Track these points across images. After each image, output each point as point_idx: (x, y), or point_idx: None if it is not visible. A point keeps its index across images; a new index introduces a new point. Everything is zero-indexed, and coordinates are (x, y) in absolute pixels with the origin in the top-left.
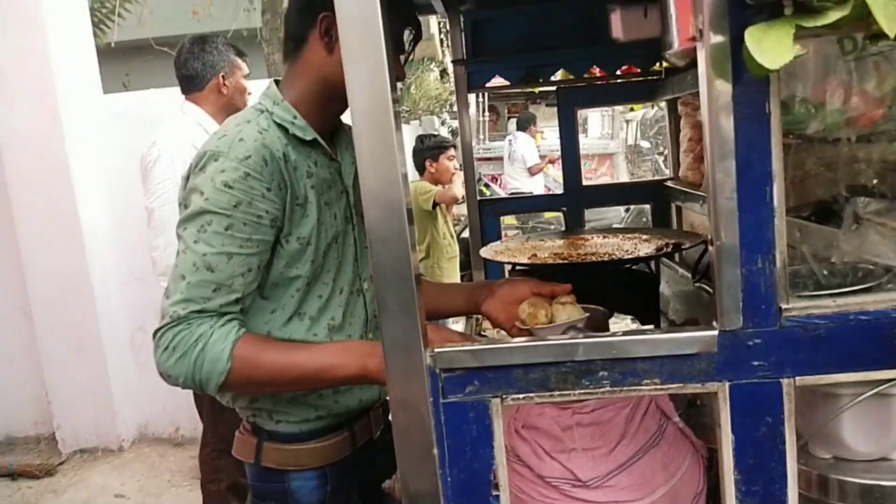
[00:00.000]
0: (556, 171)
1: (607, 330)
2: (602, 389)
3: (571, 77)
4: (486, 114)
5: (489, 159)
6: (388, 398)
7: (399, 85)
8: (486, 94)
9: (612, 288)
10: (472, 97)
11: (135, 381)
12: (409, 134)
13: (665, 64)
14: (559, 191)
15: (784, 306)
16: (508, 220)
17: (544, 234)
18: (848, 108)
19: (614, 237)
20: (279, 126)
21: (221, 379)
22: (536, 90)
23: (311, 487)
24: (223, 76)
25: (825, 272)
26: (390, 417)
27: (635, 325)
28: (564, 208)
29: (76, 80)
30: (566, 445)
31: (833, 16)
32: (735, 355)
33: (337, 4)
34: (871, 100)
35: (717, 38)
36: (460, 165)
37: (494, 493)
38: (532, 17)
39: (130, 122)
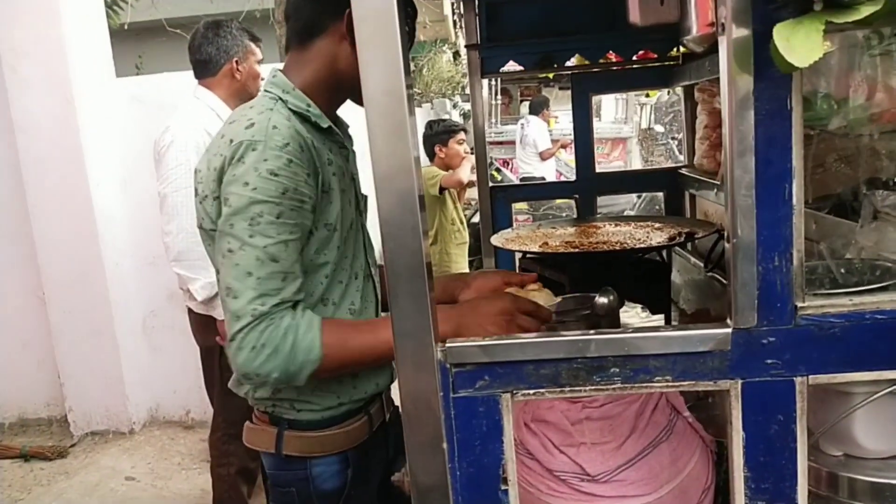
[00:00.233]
0: (568, 156)
1: (618, 318)
2: (613, 386)
3: (587, 63)
4: (499, 97)
5: (501, 143)
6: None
7: (412, 67)
8: (499, 78)
9: (623, 277)
10: (484, 80)
11: (146, 364)
12: (420, 118)
13: (682, 49)
14: (571, 176)
15: (800, 304)
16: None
17: (556, 222)
18: (871, 103)
19: (626, 225)
20: (296, 114)
21: (315, 367)
22: (550, 75)
23: (333, 472)
24: (237, 61)
25: (842, 270)
26: (400, 410)
27: (645, 314)
28: (576, 195)
29: (90, 64)
30: (575, 439)
31: (865, 11)
32: (749, 353)
33: None
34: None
35: (740, 32)
36: (472, 149)
37: (503, 487)
38: (547, 1)
39: (144, 105)
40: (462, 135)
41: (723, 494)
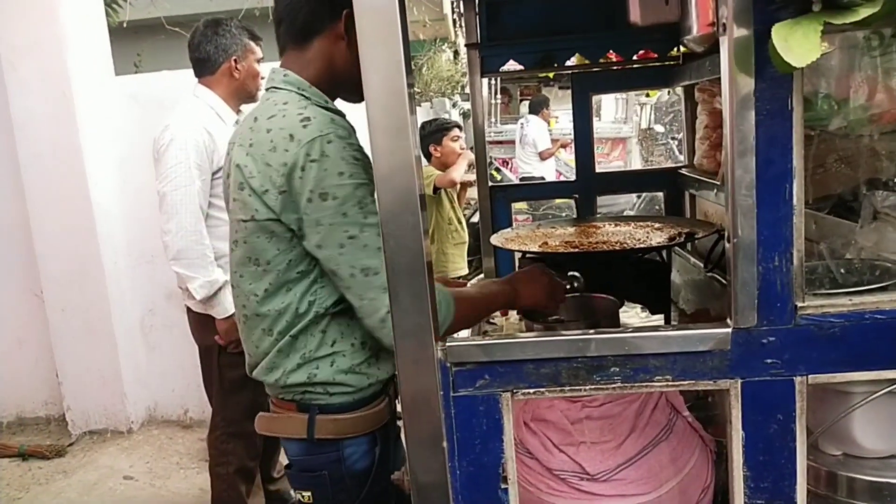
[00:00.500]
0: (567, 156)
1: (617, 319)
2: (613, 385)
3: (587, 62)
4: (499, 96)
5: (500, 143)
6: None
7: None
8: (499, 77)
9: (622, 277)
10: (484, 79)
11: (144, 363)
12: (420, 118)
13: (683, 49)
14: (571, 176)
15: (799, 304)
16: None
17: (555, 222)
18: (872, 104)
19: (626, 225)
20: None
21: (451, 321)
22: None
23: (363, 452)
24: (235, 60)
25: (842, 270)
26: (399, 409)
27: (645, 314)
28: (576, 195)
29: (88, 62)
30: (575, 438)
31: (863, 12)
32: (748, 353)
33: None
34: None
35: (741, 32)
36: (470, 147)
37: (503, 486)
38: (547, 0)
39: (143, 104)
40: (456, 131)
41: (722, 493)
